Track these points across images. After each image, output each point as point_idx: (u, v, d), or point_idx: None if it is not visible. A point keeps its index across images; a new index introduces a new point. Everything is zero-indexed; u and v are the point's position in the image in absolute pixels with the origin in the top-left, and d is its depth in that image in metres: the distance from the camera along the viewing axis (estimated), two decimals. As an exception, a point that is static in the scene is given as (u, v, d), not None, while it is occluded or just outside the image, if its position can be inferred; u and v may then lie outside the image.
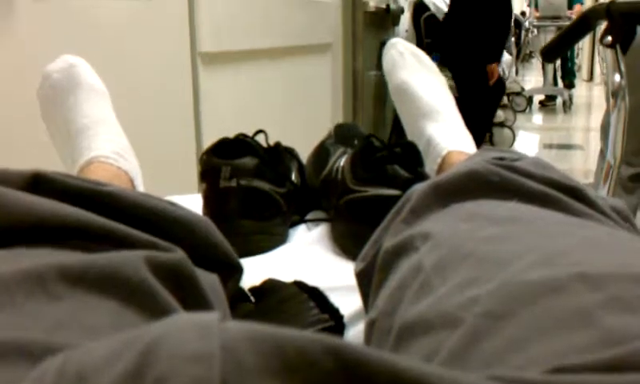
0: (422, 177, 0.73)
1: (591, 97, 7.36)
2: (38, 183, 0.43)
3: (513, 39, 5.16)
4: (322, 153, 0.91)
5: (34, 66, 0.93)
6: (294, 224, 0.85)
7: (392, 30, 3.76)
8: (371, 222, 0.55)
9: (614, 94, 1.20)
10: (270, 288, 0.59)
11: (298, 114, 2.38)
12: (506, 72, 4.95)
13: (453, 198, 0.47)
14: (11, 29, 1.19)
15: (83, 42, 1.25)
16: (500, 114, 4.57)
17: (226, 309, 0.48)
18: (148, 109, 1.54)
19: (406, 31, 4.12)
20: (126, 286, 0.37)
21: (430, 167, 0.87)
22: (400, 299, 0.41)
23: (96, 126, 0.86)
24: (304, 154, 0.94)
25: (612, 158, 1.20)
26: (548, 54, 1.17)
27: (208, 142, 0.83)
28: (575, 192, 0.45)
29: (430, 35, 4.03)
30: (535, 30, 6.38)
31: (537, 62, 7.70)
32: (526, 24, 6.41)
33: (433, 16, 4.06)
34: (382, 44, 1.05)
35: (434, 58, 1.15)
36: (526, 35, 6.35)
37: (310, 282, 0.61)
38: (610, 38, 1.13)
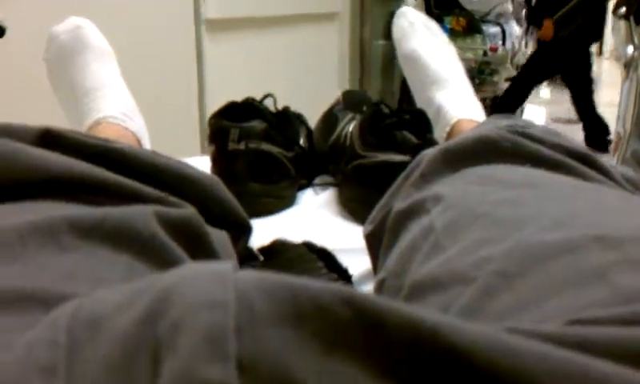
0: (431, 143, 0.72)
1: (600, 72, 7.25)
2: (48, 139, 0.43)
3: (524, 11, 5.08)
4: (330, 118, 0.91)
5: (40, 28, 0.92)
6: (302, 188, 0.85)
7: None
8: (379, 187, 0.55)
9: (626, 65, 1.19)
10: (278, 248, 0.59)
11: (304, 83, 2.35)
12: (516, 45, 4.88)
13: (464, 162, 0.46)
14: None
15: (87, 5, 1.23)
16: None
17: (235, 265, 0.48)
18: (150, 75, 1.53)
19: (415, 0, 4.07)
20: (138, 240, 0.37)
21: (438, 135, 0.86)
22: (410, 260, 0.41)
23: (103, 88, 0.85)
24: (310, 123, 0.93)
25: (622, 129, 1.19)
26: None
27: (212, 108, 0.82)
28: (587, 159, 0.45)
29: (440, 6, 3.98)
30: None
31: None
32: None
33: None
34: (391, 14, 1.03)
35: (443, 28, 1.14)
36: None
37: (318, 243, 0.61)
38: (623, 9, 1.11)
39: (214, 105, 0.82)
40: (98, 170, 0.42)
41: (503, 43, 4.34)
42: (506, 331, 0.21)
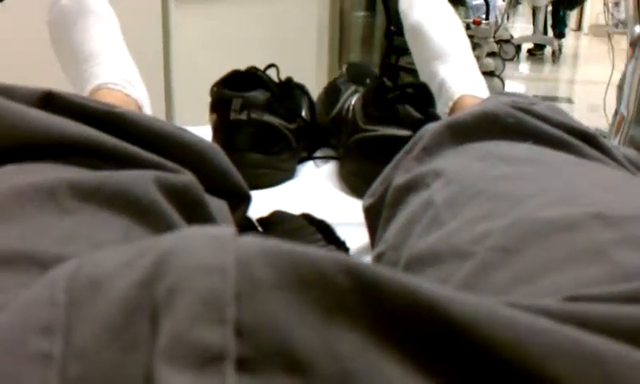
0: (433, 118, 0.72)
1: (578, 47, 7.07)
2: (50, 101, 0.43)
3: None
4: (333, 91, 0.90)
5: None
6: (303, 160, 0.85)
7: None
8: (380, 161, 0.54)
9: (632, 43, 1.18)
10: (277, 219, 0.59)
11: (280, 56, 2.21)
12: (499, 19, 4.71)
13: (467, 137, 0.46)
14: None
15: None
16: (490, 63, 4.38)
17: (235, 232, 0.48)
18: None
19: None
20: (137, 205, 0.37)
21: (441, 110, 0.86)
22: (409, 233, 0.41)
23: (105, 53, 0.85)
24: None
25: (625, 110, 1.18)
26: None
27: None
28: (589, 138, 0.45)
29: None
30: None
31: (525, 8, 7.24)
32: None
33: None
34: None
35: None
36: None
37: (318, 216, 0.61)
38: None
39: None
40: (98, 133, 0.41)
41: (487, 17, 4.18)
42: (504, 305, 0.21)
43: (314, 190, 0.78)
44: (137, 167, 0.40)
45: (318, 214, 0.61)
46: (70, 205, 0.34)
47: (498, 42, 4.91)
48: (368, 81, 0.89)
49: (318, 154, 0.88)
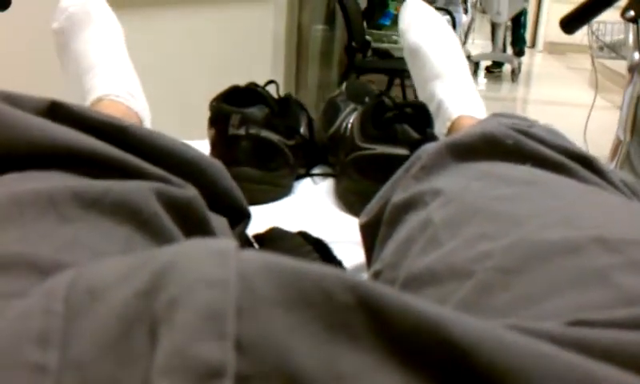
0: (431, 138, 0.72)
1: (532, 65, 6.86)
2: (55, 111, 0.43)
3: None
4: (332, 108, 0.91)
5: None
6: (300, 177, 0.85)
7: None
8: (378, 180, 0.54)
9: (630, 69, 1.18)
10: (274, 236, 0.59)
11: (232, 71, 1.94)
12: (462, 36, 4.52)
13: (465, 157, 0.46)
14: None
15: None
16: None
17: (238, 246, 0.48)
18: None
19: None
20: (138, 216, 0.37)
21: (439, 130, 0.86)
22: (406, 252, 0.41)
23: (108, 64, 0.85)
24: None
25: (622, 134, 1.19)
26: (567, 26, 1.15)
27: None
28: (588, 162, 0.45)
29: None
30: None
31: (483, 25, 7.11)
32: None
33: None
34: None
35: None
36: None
37: (314, 234, 0.61)
38: (632, 13, 1.10)
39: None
40: (102, 145, 0.41)
41: (453, 31, 4.14)
42: (506, 328, 0.21)
43: (311, 206, 0.78)
44: (140, 179, 0.40)
45: (315, 231, 0.61)
46: (70, 213, 0.34)
47: (467, 56, 4.80)
48: (367, 99, 0.90)
49: (315, 170, 0.88)
